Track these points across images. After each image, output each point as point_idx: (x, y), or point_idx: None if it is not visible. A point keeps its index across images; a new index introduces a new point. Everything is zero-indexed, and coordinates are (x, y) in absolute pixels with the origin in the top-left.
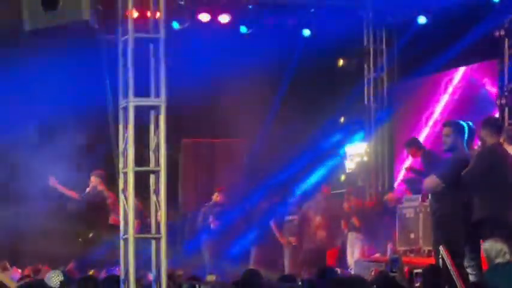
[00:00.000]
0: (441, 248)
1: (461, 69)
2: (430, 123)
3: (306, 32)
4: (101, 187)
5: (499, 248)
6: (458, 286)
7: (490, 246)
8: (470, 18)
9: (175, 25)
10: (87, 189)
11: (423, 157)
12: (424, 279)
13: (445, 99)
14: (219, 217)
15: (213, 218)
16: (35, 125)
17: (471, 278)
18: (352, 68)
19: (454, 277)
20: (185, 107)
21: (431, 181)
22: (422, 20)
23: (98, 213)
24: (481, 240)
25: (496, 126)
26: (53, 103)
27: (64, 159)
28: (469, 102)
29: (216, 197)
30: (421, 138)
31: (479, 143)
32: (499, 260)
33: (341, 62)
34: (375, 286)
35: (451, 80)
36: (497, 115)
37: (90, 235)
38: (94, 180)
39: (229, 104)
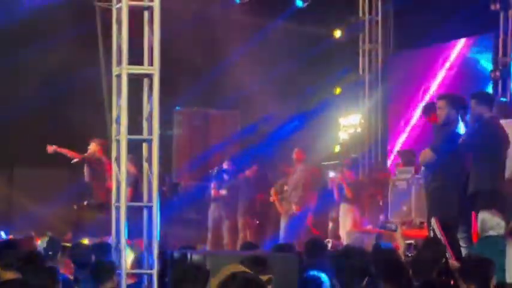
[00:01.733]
0: (433, 220)
1: (459, 45)
2: (427, 97)
3: (299, 2)
4: (99, 154)
5: (496, 221)
6: (449, 258)
7: (487, 218)
8: None
9: None
10: (86, 154)
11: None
12: (418, 250)
13: (441, 73)
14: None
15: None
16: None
17: (463, 250)
18: (347, 39)
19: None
20: (181, 77)
21: (425, 154)
22: None
23: (96, 178)
24: (473, 212)
25: (489, 100)
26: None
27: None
28: (465, 77)
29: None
30: (417, 112)
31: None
32: (491, 233)
33: (337, 34)
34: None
35: (448, 55)
36: (490, 89)
37: (85, 202)
38: (93, 146)
39: (225, 75)
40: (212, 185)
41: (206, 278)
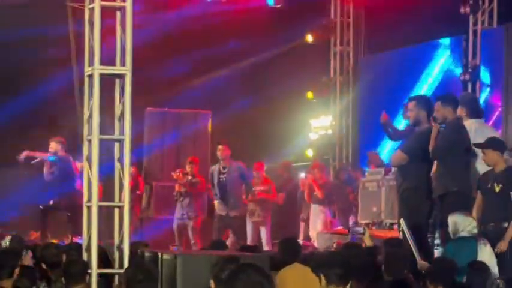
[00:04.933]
0: (401, 221)
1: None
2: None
3: (271, 2)
4: (62, 153)
5: (469, 221)
6: (417, 258)
7: (459, 219)
8: None
9: None
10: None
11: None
12: (385, 251)
13: (412, 75)
14: None
15: None
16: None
17: (436, 252)
18: (318, 42)
19: (413, 250)
20: (151, 76)
21: (397, 155)
22: None
23: (64, 179)
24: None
25: (455, 102)
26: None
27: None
28: (438, 81)
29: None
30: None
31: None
32: (463, 234)
33: (309, 38)
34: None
35: (419, 58)
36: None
37: (51, 202)
38: (54, 145)
39: (197, 75)
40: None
41: (156, 279)
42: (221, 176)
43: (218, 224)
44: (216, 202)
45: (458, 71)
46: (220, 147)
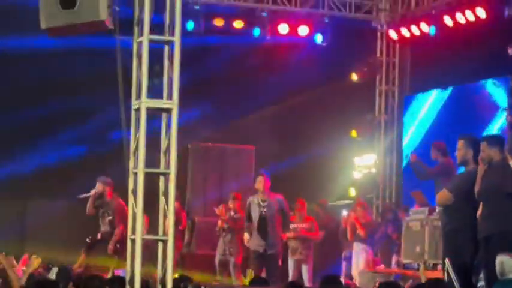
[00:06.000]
0: (446, 260)
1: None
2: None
3: (318, 39)
4: (108, 197)
5: None
6: None
7: (506, 261)
8: (483, 33)
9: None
10: (92, 193)
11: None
12: None
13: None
14: None
15: None
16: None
17: None
18: (363, 80)
19: None
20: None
21: (442, 195)
22: (434, 31)
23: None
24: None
25: (502, 143)
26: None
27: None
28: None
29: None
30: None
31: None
32: (511, 276)
33: (354, 76)
34: None
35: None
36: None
37: (98, 236)
38: (100, 187)
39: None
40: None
41: None
42: (262, 210)
43: (255, 261)
44: (248, 236)
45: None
46: (260, 178)
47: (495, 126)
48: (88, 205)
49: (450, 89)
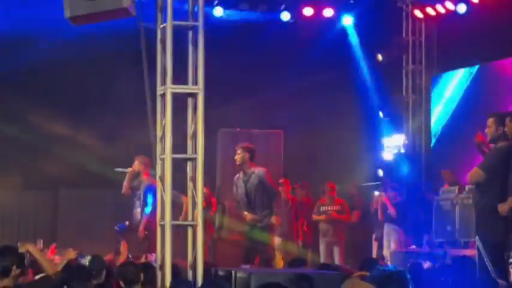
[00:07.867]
0: (477, 238)
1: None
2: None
3: (347, 21)
4: (144, 176)
5: None
6: (492, 276)
7: None
8: (509, 9)
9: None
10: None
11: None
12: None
13: (482, 92)
14: None
15: None
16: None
17: None
18: (390, 60)
19: (489, 267)
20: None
21: (474, 173)
22: (462, 9)
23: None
24: None
25: None
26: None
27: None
28: (505, 95)
29: None
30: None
31: None
32: None
33: (379, 57)
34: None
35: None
36: None
37: (126, 223)
38: (137, 165)
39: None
40: None
41: None
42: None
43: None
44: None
45: None
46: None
47: None
48: (124, 183)
49: (477, 67)
